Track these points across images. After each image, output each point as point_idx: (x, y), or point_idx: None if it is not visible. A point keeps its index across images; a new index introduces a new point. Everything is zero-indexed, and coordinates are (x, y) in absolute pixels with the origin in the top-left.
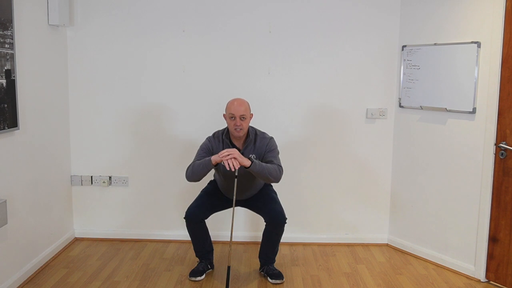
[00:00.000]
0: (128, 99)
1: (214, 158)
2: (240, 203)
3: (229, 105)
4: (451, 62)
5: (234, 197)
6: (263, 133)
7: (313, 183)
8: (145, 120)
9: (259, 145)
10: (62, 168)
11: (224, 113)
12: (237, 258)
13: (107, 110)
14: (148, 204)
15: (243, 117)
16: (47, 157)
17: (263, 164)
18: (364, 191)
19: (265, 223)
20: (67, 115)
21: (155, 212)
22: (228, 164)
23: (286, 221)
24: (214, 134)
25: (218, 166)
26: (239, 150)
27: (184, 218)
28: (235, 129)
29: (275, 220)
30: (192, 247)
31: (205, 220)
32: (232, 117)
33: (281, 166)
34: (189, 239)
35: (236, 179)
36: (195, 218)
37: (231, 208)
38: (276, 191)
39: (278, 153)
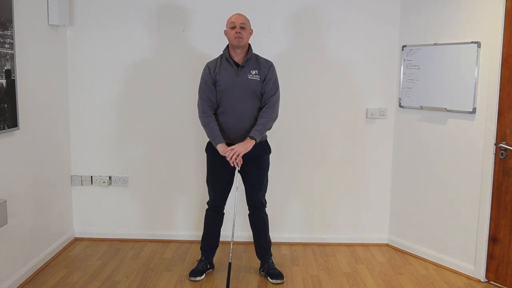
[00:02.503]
0: (128, 99)
1: (219, 149)
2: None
3: (230, 17)
4: (451, 62)
5: (236, 197)
6: (264, 57)
7: (313, 183)
8: (145, 120)
9: (262, 64)
10: (62, 168)
11: (225, 28)
12: (237, 258)
13: (107, 110)
14: (148, 204)
15: (243, 26)
16: (47, 157)
17: (261, 128)
18: (364, 191)
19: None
20: (67, 115)
21: (155, 212)
22: (233, 162)
23: (266, 205)
24: (212, 60)
25: (217, 89)
26: (238, 65)
27: (207, 204)
28: (235, 38)
29: (252, 207)
30: (192, 247)
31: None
32: (232, 27)
33: (276, 103)
34: (189, 239)
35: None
36: (219, 206)
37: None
38: (277, 189)
39: (277, 83)
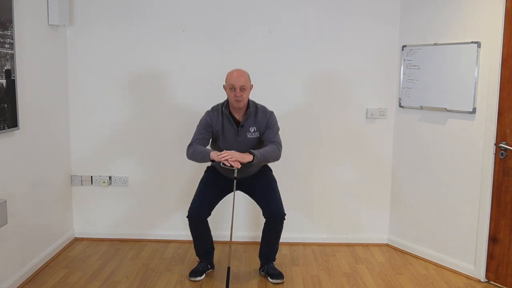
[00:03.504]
0: (128, 99)
1: (213, 156)
2: (240, 187)
3: (229, 76)
4: (451, 62)
5: (234, 197)
6: (264, 106)
7: (313, 183)
8: (145, 120)
9: (260, 118)
10: (62, 168)
11: (224, 84)
12: (237, 258)
13: (107, 110)
14: (148, 204)
15: (243, 88)
16: (47, 157)
17: (264, 152)
18: (364, 191)
19: (264, 220)
20: (67, 115)
21: (155, 212)
22: (229, 162)
23: (285, 217)
24: (213, 108)
25: (217, 144)
26: (238, 122)
27: (187, 217)
28: (235, 100)
29: (273, 216)
30: (192, 247)
31: (207, 219)
32: (232, 88)
33: (280, 144)
34: (189, 239)
35: (235, 180)
36: (198, 217)
37: (232, 209)
38: (281, 198)
39: (278, 129)
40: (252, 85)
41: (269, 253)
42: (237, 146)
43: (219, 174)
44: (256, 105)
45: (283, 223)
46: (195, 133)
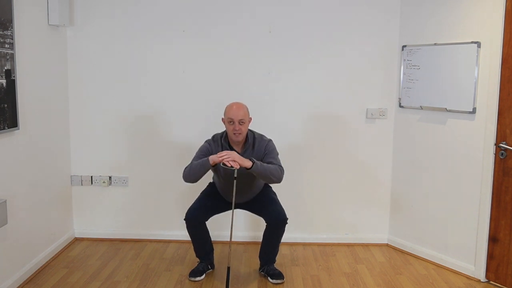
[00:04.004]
0: (128, 99)
1: (213, 158)
2: (240, 206)
3: (228, 110)
4: (451, 62)
5: (234, 198)
6: (261, 135)
7: (313, 183)
8: (145, 120)
9: (257, 148)
10: (62, 168)
11: (223, 117)
12: (237, 258)
13: (107, 110)
14: (148, 204)
15: (242, 122)
16: (47, 157)
17: (265, 164)
18: (364, 191)
19: (265, 224)
20: (67, 115)
21: (155, 212)
22: (229, 162)
23: (288, 221)
24: (213, 137)
25: (217, 167)
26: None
27: (184, 219)
28: (234, 133)
29: (276, 220)
30: (192, 247)
31: (205, 222)
32: (230, 122)
33: (281, 167)
34: (189, 239)
35: (235, 180)
36: (195, 220)
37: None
38: (277, 191)
39: (277, 154)
40: (251, 118)
41: (269, 255)
42: (238, 178)
43: (220, 193)
44: (254, 136)
45: (285, 227)
46: (194, 157)
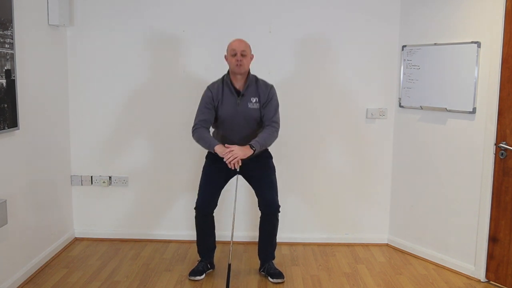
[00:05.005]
0: (128, 99)
1: (217, 150)
2: (240, 170)
3: (230, 43)
4: (451, 62)
5: (236, 196)
6: (263, 80)
7: (313, 183)
8: (145, 120)
9: (261, 90)
10: (62, 168)
11: (225, 54)
12: (237, 258)
13: (107, 110)
14: (148, 204)
15: (243, 53)
16: (47, 157)
17: (262, 141)
18: (364, 191)
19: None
20: (67, 115)
21: (155, 212)
22: (231, 163)
23: (280, 209)
24: (213, 82)
25: (218, 115)
26: (238, 92)
27: (195, 209)
28: (237, 65)
29: (268, 209)
30: (192, 247)
31: (213, 214)
32: (233, 54)
33: (278, 124)
34: (189, 239)
35: (237, 174)
36: (207, 209)
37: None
38: (277, 190)
39: (278, 105)
40: (253, 55)
41: (267, 249)
42: (238, 118)
43: (221, 159)
44: (256, 78)
45: (277, 215)
46: (197, 113)
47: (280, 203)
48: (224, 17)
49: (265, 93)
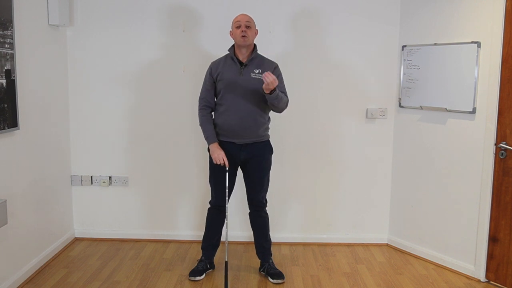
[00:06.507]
0: (128, 99)
1: (211, 148)
2: (241, 154)
3: (235, 17)
4: (451, 62)
5: (227, 198)
6: (268, 58)
7: (313, 183)
8: (145, 120)
9: (266, 65)
10: (62, 168)
11: (231, 30)
12: (237, 258)
13: (107, 110)
14: (148, 204)
15: (248, 24)
16: (47, 157)
17: (280, 92)
18: (364, 191)
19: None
20: (67, 115)
21: (155, 212)
22: (219, 161)
23: (267, 205)
24: (216, 59)
25: (218, 87)
26: (241, 63)
27: (209, 203)
28: (242, 36)
29: (253, 206)
30: (192, 247)
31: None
32: (238, 26)
33: (287, 96)
34: (189, 239)
35: (227, 173)
36: (222, 207)
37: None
38: (276, 190)
39: (283, 83)
40: (257, 30)
41: (264, 245)
42: (240, 87)
43: (225, 148)
44: (261, 55)
45: (265, 211)
46: (202, 89)
47: (279, 203)
48: (224, 17)
49: (270, 68)
